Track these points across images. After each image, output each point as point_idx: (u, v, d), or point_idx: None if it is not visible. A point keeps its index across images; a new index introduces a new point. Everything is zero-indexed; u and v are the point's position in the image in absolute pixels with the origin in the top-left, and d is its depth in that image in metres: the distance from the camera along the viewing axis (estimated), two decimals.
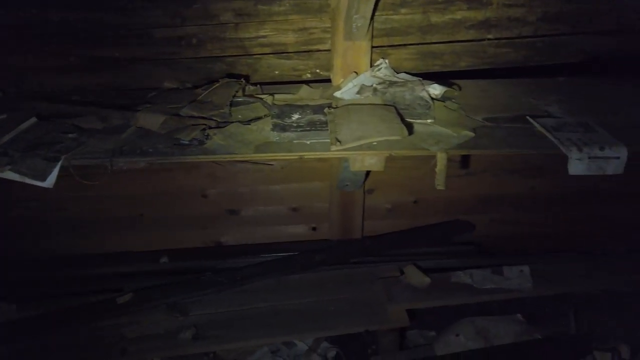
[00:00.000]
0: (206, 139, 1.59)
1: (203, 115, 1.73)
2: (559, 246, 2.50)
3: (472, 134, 1.66)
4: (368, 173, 2.28)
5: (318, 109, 1.84)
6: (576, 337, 1.87)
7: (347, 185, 2.10)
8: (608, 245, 2.51)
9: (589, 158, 1.56)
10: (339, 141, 1.57)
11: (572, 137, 1.62)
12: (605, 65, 2.17)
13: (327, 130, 1.68)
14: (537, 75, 2.16)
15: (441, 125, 1.71)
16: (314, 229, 2.47)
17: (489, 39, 2.10)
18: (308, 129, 1.70)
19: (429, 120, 1.74)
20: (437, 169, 1.58)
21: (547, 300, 2.16)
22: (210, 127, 1.65)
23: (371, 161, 1.60)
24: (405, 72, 2.08)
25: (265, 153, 1.55)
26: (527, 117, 1.78)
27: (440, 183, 1.60)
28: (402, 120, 1.71)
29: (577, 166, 1.57)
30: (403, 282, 2.07)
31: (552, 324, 2.03)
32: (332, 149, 1.56)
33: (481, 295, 2.01)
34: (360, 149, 1.58)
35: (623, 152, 1.57)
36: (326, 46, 2.06)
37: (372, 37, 2.01)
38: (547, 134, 1.65)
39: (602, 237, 2.55)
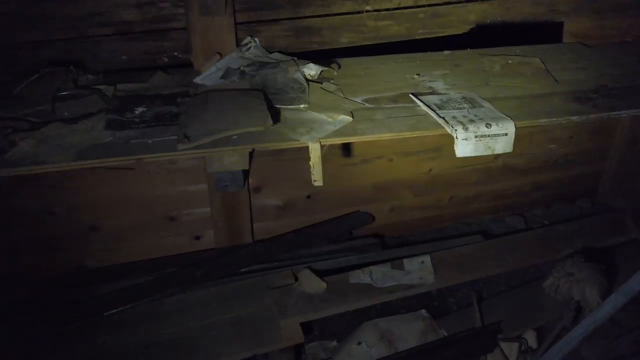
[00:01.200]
0: (10, 146, 1.21)
1: (12, 116, 1.34)
2: (459, 227, 2.41)
3: (349, 119, 1.44)
4: (248, 169, 2.01)
5: (170, 99, 1.52)
6: (482, 330, 1.75)
7: (226, 185, 1.80)
8: (506, 221, 2.46)
9: (476, 137, 1.40)
10: (187, 137, 1.26)
11: (457, 115, 1.46)
12: (489, 35, 2.06)
13: (178, 124, 1.37)
14: (423, 49, 2.00)
15: (316, 110, 1.47)
16: (197, 238, 2.15)
17: (367, 11, 1.89)
18: (154, 124, 1.38)
19: (302, 105, 1.50)
20: (311, 162, 1.34)
21: (450, 290, 2.04)
22: (18, 130, 1.27)
23: (232, 159, 1.32)
24: (278, 52, 1.82)
25: (90, 160, 1.20)
26: (411, 95, 1.59)
27: (317, 178, 1.36)
28: (270, 107, 1.44)
29: (464, 147, 1.40)
30: (297, 291, 1.83)
31: (457, 316, 1.90)
32: (179, 148, 1.25)
33: (382, 295, 1.82)
34: (217, 145, 1.29)
35: (510, 128, 1.43)
36: (181, 24, 1.74)
37: (235, 11, 1.73)
38: (431, 113, 1.47)
39: (500, 214, 2.50)
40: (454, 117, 1.45)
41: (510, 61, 1.88)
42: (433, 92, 1.63)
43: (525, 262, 2.03)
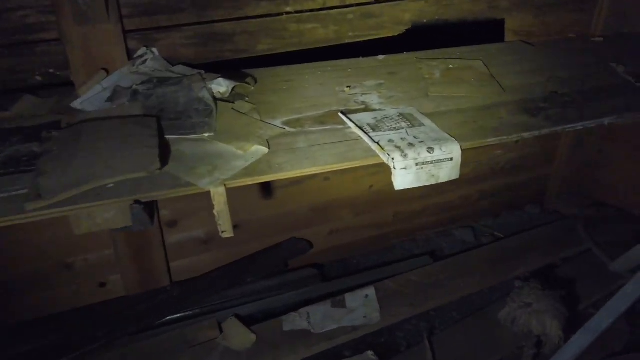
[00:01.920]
0: None
1: None
2: (405, 245, 2.21)
3: (265, 150, 1.17)
4: (156, 203, 1.70)
5: (34, 134, 1.18)
6: None
7: (130, 226, 1.49)
8: (455, 234, 2.29)
9: (417, 165, 1.17)
10: (39, 194, 0.94)
11: (394, 138, 1.22)
12: (427, 35, 1.85)
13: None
14: (354, 54, 1.76)
15: (224, 139, 1.19)
16: (102, 285, 1.81)
17: (287, 13, 1.62)
18: (2, 172, 1.04)
19: (206, 134, 1.21)
20: (215, 211, 1.07)
21: (399, 322, 1.82)
22: None
23: (107, 216, 1.02)
24: (183, 64, 1.52)
25: None
26: (340, 114, 1.34)
27: (225, 229, 1.09)
28: (162, 141, 1.15)
29: (403, 178, 1.17)
30: (221, 347, 1.55)
31: (407, 355, 1.69)
32: (27, 209, 0.93)
33: (321, 343, 1.58)
34: (85, 201, 0.98)
35: (456, 151, 1.21)
36: (54, 34, 1.40)
37: (122, 17, 1.41)
38: (364, 137, 1.22)
39: (448, 227, 2.32)
40: (390, 141, 1.21)
41: (451, 65, 1.68)
42: (366, 109, 1.39)
43: (477, 285, 1.85)
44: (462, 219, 2.36)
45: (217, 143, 1.17)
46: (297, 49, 1.70)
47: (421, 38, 1.84)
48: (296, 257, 1.98)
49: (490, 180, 2.33)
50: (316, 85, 1.52)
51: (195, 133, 1.21)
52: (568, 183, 2.37)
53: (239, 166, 1.10)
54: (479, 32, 1.91)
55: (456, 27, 1.87)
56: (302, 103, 1.41)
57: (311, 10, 1.64)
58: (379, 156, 1.17)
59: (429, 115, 1.35)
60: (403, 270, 1.92)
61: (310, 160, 1.13)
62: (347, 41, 1.75)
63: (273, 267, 1.92)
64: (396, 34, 1.80)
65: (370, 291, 1.75)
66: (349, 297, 1.72)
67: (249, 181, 1.08)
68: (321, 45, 1.73)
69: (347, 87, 1.50)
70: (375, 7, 1.72)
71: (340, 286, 1.85)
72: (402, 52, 1.80)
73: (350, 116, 1.32)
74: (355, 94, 1.47)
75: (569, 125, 1.32)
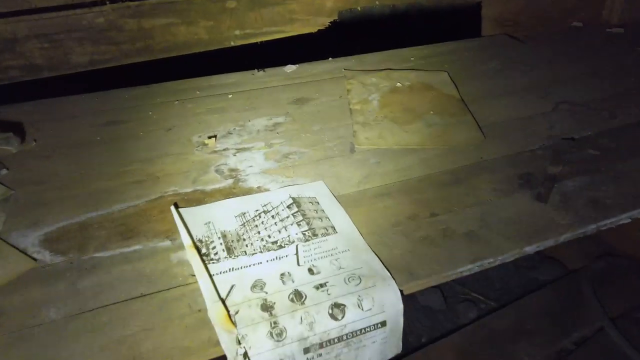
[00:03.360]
0: None
1: None
2: None
3: None
4: None
5: None
6: None
7: None
8: (418, 299, 1.68)
9: (306, 351, 0.53)
10: None
11: (265, 275, 0.57)
12: (362, 31, 1.20)
13: None
14: (251, 63, 1.10)
15: None
16: None
17: (114, 2, 0.94)
18: None
19: None
20: None
21: None
22: None
23: None
24: None
25: None
26: (172, 208, 0.68)
27: None
28: None
29: None
30: None
31: None
32: None
33: None
34: None
35: (392, 306, 0.58)
36: None
37: None
38: (200, 277, 0.57)
39: None
40: (255, 288, 0.57)
41: (398, 84, 1.03)
42: (232, 189, 0.73)
43: None
44: None
45: None
46: (145, 60, 1.02)
47: (354, 35, 1.19)
48: None
49: None
50: (159, 131, 0.86)
51: None
52: None
53: None
54: (442, 23, 1.26)
55: (407, 17, 1.22)
56: (112, 179, 0.75)
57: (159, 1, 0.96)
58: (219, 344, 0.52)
59: (347, 201, 0.71)
60: None
61: None
62: (233, 44, 1.08)
63: None
64: (315, 30, 1.14)
65: None
66: None
67: None
68: (188, 52, 1.06)
69: (211, 137, 0.84)
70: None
71: None
72: (326, 57, 1.15)
73: (190, 214, 0.67)
74: (224, 150, 0.82)
75: (609, 220, 0.70)
